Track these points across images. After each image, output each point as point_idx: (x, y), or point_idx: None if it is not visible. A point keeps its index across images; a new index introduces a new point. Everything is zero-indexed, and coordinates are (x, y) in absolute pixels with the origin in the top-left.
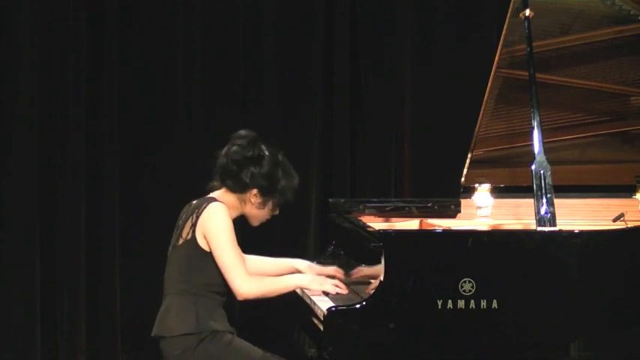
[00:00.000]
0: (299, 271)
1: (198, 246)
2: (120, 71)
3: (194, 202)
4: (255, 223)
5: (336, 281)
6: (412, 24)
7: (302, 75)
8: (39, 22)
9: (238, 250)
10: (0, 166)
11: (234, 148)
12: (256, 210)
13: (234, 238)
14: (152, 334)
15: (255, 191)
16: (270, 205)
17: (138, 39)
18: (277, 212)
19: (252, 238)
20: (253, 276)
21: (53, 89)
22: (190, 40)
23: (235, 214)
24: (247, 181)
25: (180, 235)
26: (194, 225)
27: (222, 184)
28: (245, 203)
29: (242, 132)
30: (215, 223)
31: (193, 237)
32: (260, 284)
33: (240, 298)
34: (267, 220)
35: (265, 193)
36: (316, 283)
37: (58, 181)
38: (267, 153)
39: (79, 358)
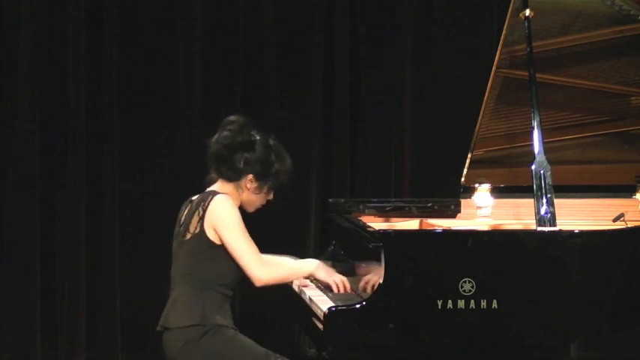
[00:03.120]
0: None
1: (208, 239)
2: (120, 71)
3: (194, 197)
4: (250, 209)
5: (344, 278)
6: (412, 24)
7: (302, 75)
8: (39, 23)
9: (250, 238)
10: (0, 166)
11: (225, 133)
12: (253, 196)
13: (244, 227)
14: (157, 328)
15: (250, 177)
16: (265, 189)
17: (138, 39)
18: (272, 197)
19: (252, 238)
20: (267, 262)
21: (53, 89)
22: (191, 40)
23: (236, 204)
24: (241, 166)
25: (187, 229)
26: (202, 218)
27: (217, 172)
28: (242, 190)
29: (232, 117)
30: (224, 214)
31: (202, 230)
32: (275, 270)
33: (258, 283)
34: (263, 206)
35: (260, 177)
36: (323, 272)
37: (58, 181)
38: (258, 137)
39: (79, 358)
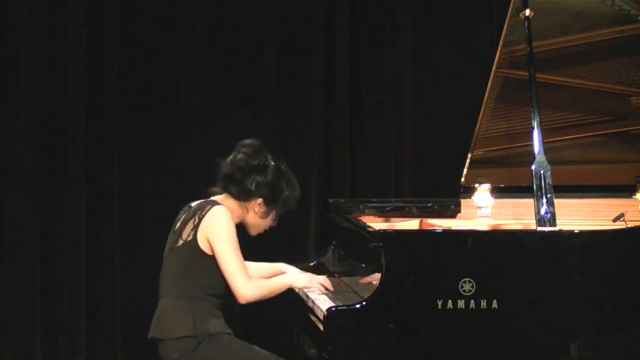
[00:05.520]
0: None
1: (199, 248)
2: (120, 71)
3: (193, 204)
4: (253, 232)
5: (323, 277)
6: (412, 24)
7: (302, 75)
8: (39, 23)
9: (240, 254)
10: (0, 166)
11: (240, 155)
12: (258, 219)
13: (237, 242)
14: (148, 337)
15: (259, 200)
16: (272, 215)
17: (138, 39)
18: (275, 224)
19: (252, 239)
20: (252, 279)
21: (53, 89)
22: (191, 40)
23: (236, 220)
24: (252, 189)
25: (179, 236)
26: (196, 227)
27: (225, 190)
28: (247, 211)
29: (247, 140)
30: (219, 227)
31: (194, 239)
32: (259, 287)
33: (242, 301)
34: (265, 232)
35: (269, 202)
36: (304, 280)
37: (58, 181)
38: (272, 163)
39: (79, 358)
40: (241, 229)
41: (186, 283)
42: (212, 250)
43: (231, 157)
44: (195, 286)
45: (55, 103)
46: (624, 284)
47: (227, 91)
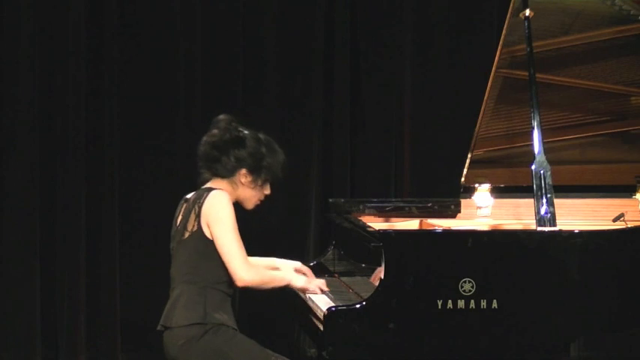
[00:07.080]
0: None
1: (204, 236)
2: (120, 71)
3: (189, 196)
4: (249, 205)
5: (322, 281)
6: (412, 24)
7: (302, 75)
8: (39, 23)
9: (239, 238)
10: (1, 166)
11: (213, 131)
12: (249, 190)
13: (236, 224)
14: (158, 328)
15: (243, 171)
16: (260, 182)
17: (138, 39)
18: (269, 192)
19: (252, 238)
20: (252, 265)
21: (53, 89)
22: (191, 40)
23: (232, 200)
24: (234, 162)
25: (185, 228)
26: (198, 216)
27: (210, 171)
28: (237, 186)
29: (220, 116)
30: (217, 210)
31: (199, 228)
32: (258, 274)
33: (239, 284)
34: (261, 202)
35: (253, 170)
36: (300, 281)
37: (59, 180)
38: (246, 132)
39: (79, 358)
40: (243, 223)
41: (197, 273)
42: (212, 234)
43: (205, 137)
44: (205, 276)
45: (55, 103)
46: (624, 284)
47: (227, 91)
